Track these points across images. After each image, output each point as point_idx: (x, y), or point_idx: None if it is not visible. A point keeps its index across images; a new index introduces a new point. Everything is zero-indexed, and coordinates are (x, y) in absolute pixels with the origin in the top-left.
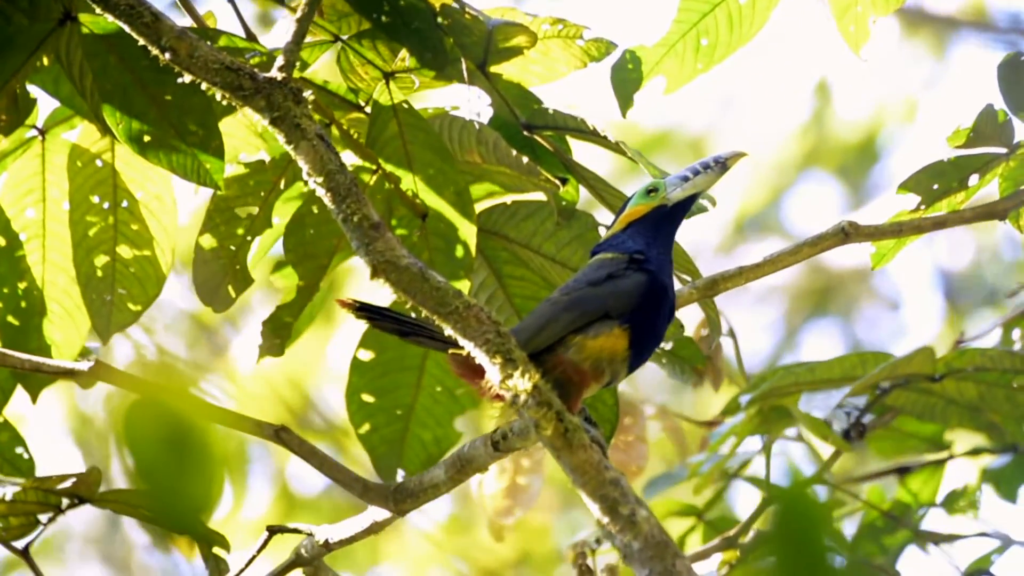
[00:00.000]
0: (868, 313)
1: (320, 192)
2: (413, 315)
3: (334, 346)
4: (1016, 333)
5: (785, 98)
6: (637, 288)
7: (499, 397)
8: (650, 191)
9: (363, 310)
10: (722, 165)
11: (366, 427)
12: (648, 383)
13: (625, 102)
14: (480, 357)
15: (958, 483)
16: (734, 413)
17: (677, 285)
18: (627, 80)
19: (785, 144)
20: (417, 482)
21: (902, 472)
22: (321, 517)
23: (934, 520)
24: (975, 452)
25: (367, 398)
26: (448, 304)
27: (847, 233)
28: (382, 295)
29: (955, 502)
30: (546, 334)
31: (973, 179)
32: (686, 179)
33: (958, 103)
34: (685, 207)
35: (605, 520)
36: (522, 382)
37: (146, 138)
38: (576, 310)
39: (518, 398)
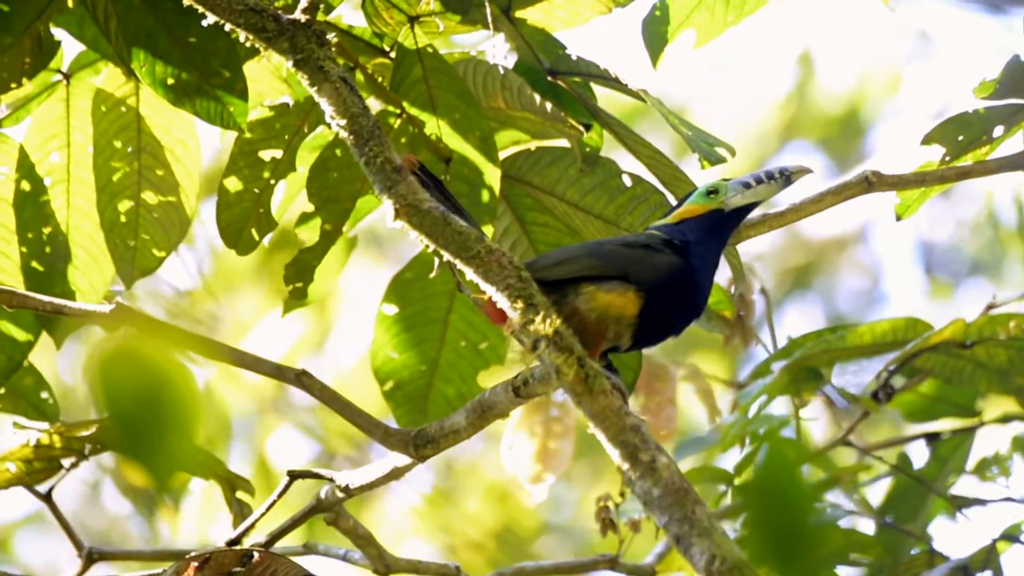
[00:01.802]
0: (849, 285)
1: (343, 135)
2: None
3: None
4: None
5: (768, 68)
6: (666, 266)
7: (520, 340)
8: (710, 192)
9: (423, 173)
10: (786, 178)
11: (390, 384)
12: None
13: (656, 55)
14: (501, 301)
15: (989, 450)
16: (764, 376)
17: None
18: (657, 33)
19: (768, 114)
20: (438, 428)
21: (932, 438)
22: (301, 496)
23: (965, 486)
24: (1005, 419)
25: (391, 354)
26: (470, 248)
27: (870, 182)
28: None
29: (986, 469)
30: (562, 268)
31: (998, 131)
32: (747, 186)
33: (942, 74)
34: (742, 214)
35: (625, 466)
36: (543, 326)
37: (170, 81)
38: (598, 259)
39: (539, 343)
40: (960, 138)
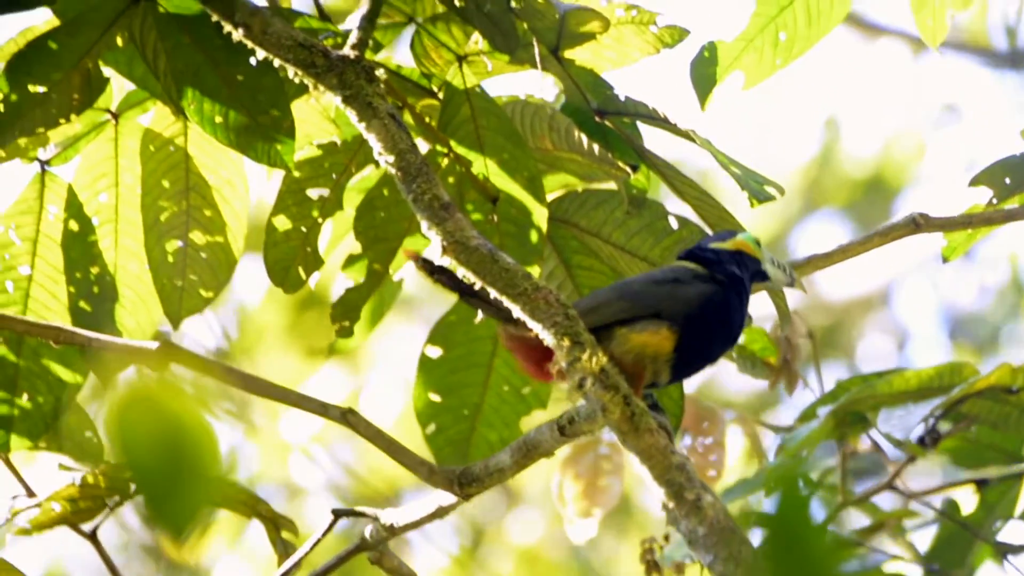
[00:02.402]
0: (873, 348)
1: (391, 171)
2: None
3: None
4: None
5: (794, 131)
6: (699, 296)
7: (564, 378)
8: (757, 243)
9: (427, 266)
10: (791, 278)
11: (432, 427)
12: (729, 391)
13: (704, 97)
14: (548, 339)
15: None
16: (811, 420)
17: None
18: (706, 75)
19: (793, 177)
20: (483, 467)
21: (979, 484)
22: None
23: (1012, 533)
24: None
25: (434, 397)
26: (517, 285)
27: (918, 224)
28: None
29: None
30: (594, 316)
31: None
32: (772, 261)
33: (969, 139)
34: (758, 278)
35: (671, 505)
36: (590, 364)
37: (218, 119)
38: (628, 301)
39: (585, 381)
40: (1008, 181)
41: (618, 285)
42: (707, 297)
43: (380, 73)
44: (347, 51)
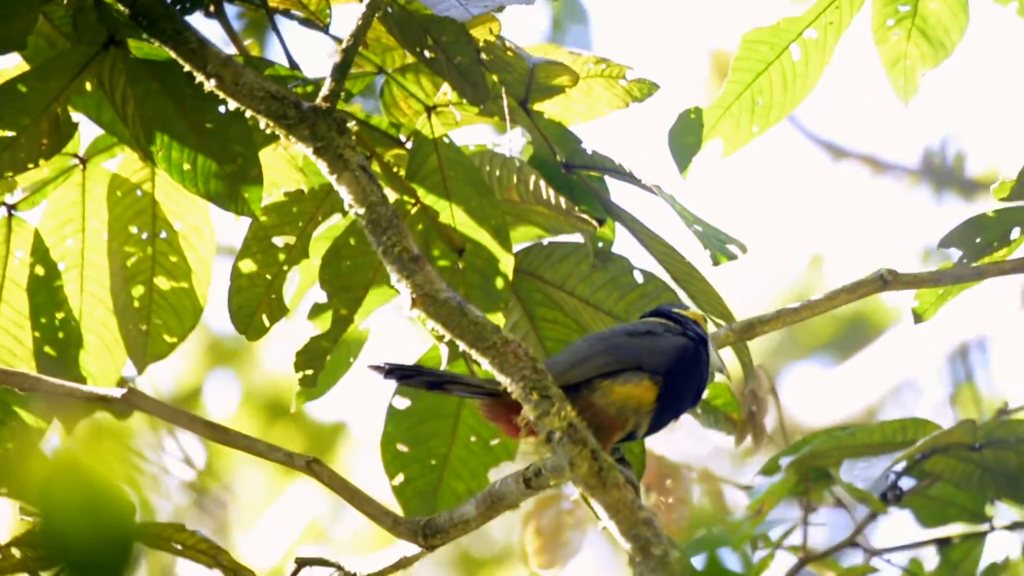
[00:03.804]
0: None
1: (361, 223)
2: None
3: None
4: None
5: (778, 268)
6: (676, 349)
7: (533, 433)
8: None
9: (392, 371)
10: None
11: (400, 478)
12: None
13: (684, 165)
14: (517, 393)
15: (999, 556)
16: (773, 474)
17: (712, 328)
18: (685, 144)
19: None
20: (447, 518)
21: (942, 543)
22: None
23: None
24: (1015, 526)
25: (402, 447)
26: (486, 339)
27: (886, 280)
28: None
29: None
30: (578, 371)
31: (1015, 232)
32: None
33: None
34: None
35: (638, 560)
36: (557, 419)
37: (186, 166)
38: (611, 355)
39: (553, 435)
40: (978, 240)
41: (594, 337)
42: (683, 348)
43: (351, 125)
44: (319, 102)
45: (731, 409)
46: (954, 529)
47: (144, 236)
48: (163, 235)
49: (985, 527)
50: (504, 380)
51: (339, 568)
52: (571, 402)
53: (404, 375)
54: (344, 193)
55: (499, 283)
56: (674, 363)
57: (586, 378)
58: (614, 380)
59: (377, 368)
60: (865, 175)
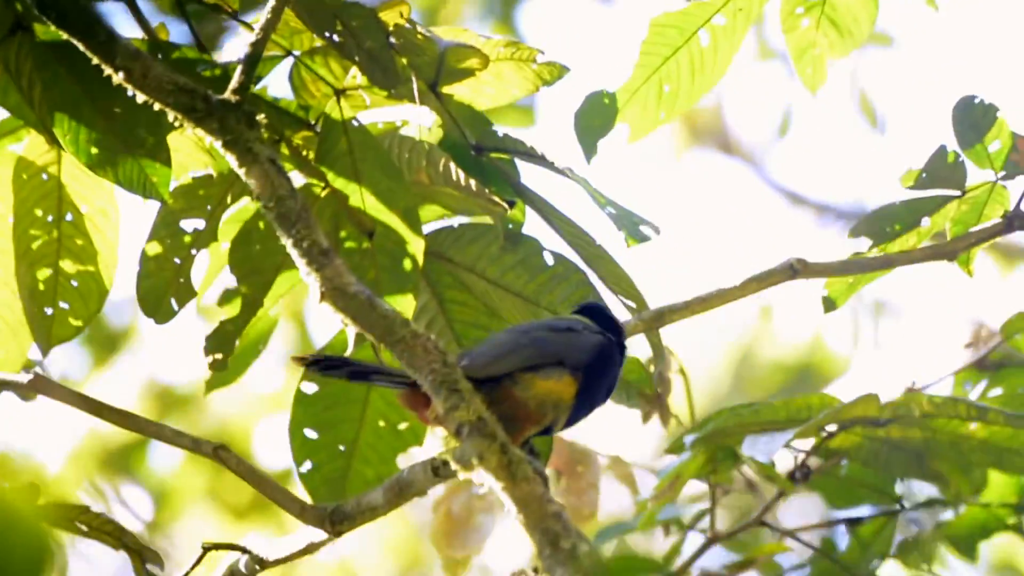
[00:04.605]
0: None
1: (270, 217)
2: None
3: None
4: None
5: (726, 318)
6: (594, 347)
7: (444, 426)
8: None
9: (317, 363)
10: None
11: (308, 465)
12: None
13: (589, 150)
14: (426, 386)
15: (910, 534)
16: (679, 453)
17: (625, 316)
18: (591, 127)
19: (722, 364)
20: (355, 504)
21: (852, 522)
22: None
23: (888, 572)
24: (930, 503)
25: (310, 433)
26: (395, 332)
27: (795, 270)
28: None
29: (910, 554)
30: (503, 363)
31: (925, 221)
32: None
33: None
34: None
35: (547, 553)
36: (467, 413)
37: (93, 149)
38: (535, 348)
39: (462, 428)
40: (888, 230)
41: (517, 331)
42: (601, 347)
43: (260, 118)
44: (228, 96)
45: (644, 385)
46: (864, 510)
47: (50, 219)
48: (69, 218)
49: (896, 507)
50: (413, 374)
51: (246, 552)
52: (490, 393)
53: (329, 366)
54: (253, 187)
55: (408, 265)
56: (594, 360)
57: (510, 370)
58: (536, 374)
59: (301, 360)
60: (819, 223)
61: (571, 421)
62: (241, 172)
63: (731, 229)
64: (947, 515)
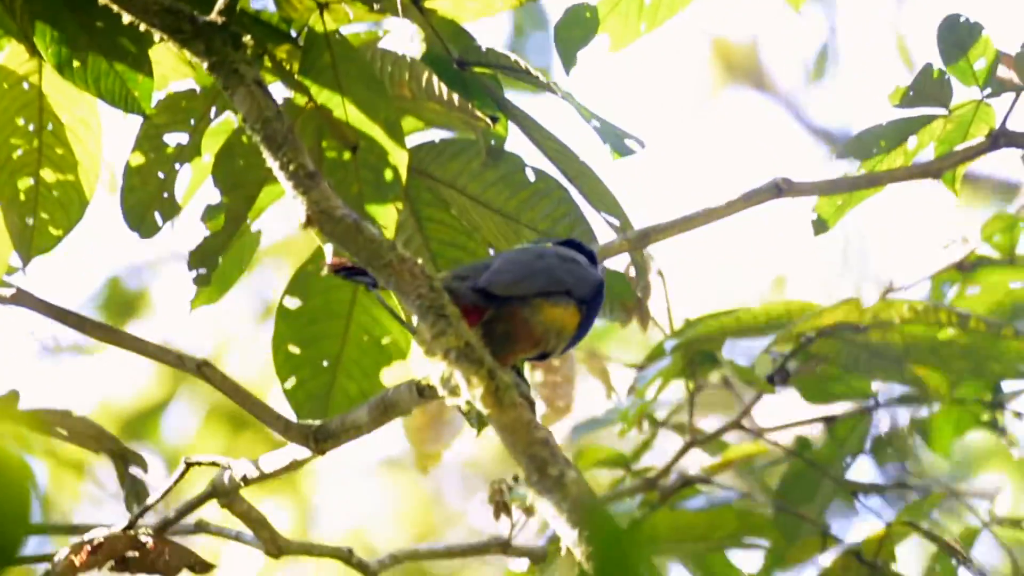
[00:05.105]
0: None
1: (256, 139)
2: None
3: None
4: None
5: (741, 286)
6: (593, 281)
7: (430, 351)
8: None
9: (340, 270)
10: None
11: (292, 381)
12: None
13: (569, 60)
14: (413, 311)
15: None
16: (659, 358)
17: (611, 237)
18: (571, 38)
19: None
20: (339, 422)
21: (828, 421)
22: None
23: (863, 469)
24: (902, 400)
25: (293, 349)
26: (382, 256)
27: (781, 189)
28: None
29: (883, 450)
30: (526, 285)
31: (911, 141)
32: None
33: None
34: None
35: (534, 479)
36: (454, 338)
37: (75, 62)
38: (551, 275)
39: (450, 353)
40: (874, 150)
41: (531, 252)
42: (599, 281)
43: (247, 39)
44: (213, 17)
45: (626, 296)
46: (840, 407)
47: (31, 128)
48: (50, 127)
49: (871, 403)
50: (400, 298)
51: (228, 468)
52: (500, 309)
53: (350, 272)
54: (239, 108)
55: (389, 175)
56: (594, 294)
57: (533, 293)
58: (547, 299)
59: (330, 267)
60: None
61: (563, 350)
62: (227, 94)
63: (765, 169)
64: (922, 412)
